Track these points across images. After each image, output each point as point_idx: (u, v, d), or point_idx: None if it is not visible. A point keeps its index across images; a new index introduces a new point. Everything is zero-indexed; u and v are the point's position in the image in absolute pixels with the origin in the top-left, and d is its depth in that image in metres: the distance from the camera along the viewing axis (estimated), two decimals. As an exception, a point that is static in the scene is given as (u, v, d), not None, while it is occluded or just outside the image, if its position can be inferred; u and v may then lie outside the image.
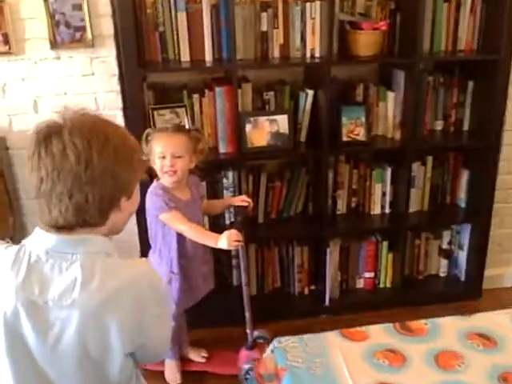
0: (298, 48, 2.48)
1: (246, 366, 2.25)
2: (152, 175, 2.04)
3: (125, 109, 2.37)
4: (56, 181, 1.04)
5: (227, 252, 2.48)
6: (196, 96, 2.46)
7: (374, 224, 2.78)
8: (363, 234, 2.82)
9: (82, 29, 2.24)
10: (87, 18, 2.23)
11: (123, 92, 2.35)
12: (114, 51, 2.31)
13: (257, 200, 2.65)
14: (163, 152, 1.99)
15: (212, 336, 2.59)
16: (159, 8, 2.30)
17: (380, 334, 1.78)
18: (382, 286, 2.88)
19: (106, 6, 2.26)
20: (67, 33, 2.24)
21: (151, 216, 2.05)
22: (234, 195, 2.54)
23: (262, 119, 2.46)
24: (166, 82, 2.54)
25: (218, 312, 2.60)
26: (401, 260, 2.79)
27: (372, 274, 2.86)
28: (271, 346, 1.72)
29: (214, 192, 2.59)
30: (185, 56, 2.40)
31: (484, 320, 1.95)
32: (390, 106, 2.63)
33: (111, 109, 2.39)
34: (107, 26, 2.28)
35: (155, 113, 2.39)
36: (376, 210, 2.79)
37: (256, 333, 2.36)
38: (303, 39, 2.45)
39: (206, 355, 2.43)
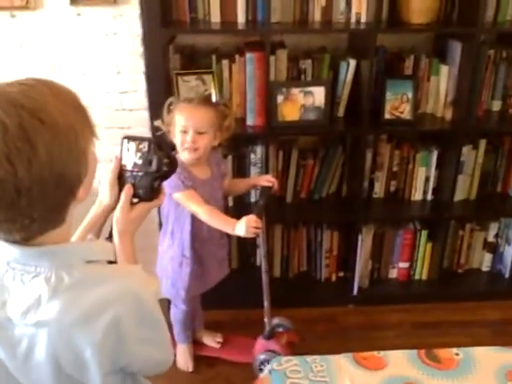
0: (341, 12, 2.23)
1: (262, 357, 2.13)
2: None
3: (147, 73, 2.19)
4: None
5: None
6: (225, 62, 2.25)
7: (413, 211, 2.54)
8: (401, 221, 2.60)
9: (104, -18, 2.06)
10: (110, -29, 2.04)
11: (145, 54, 2.16)
12: (138, 8, 2.11)
13: (286, 178, 2.45)
14: (185, 126, 1.80)
15: (229, 318, 2.47)
16: (189, -39, 2.09)
17: (400, 362, 1.53)
18: (417, 277, 2.66)
19: (130, -43, 2.06)
20: (88, -14, 2.06)
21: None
22: (262, 172, 2.35)
23: (296, 91, 2.23)
24: (195, 45, 2.34)
25: (238, 293, 2.48)
26: (440, 251, 2.56)
27: (407, 265, 2.64)
28: (269, 366, 1.52)
29: (240, 168, 2.41)
30: (215, 16, 2.19)
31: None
32: (443, 82, 2.35)
33: (133, 72, 2.22)
34: (131, -20, 2.08)
35: (180, 79, 2.19)
36: (417, 195, 2.54)
37: (275, 320, 2.22)
38: (348, 2, 2.20)
39: (220, 340, 2.30)
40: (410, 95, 2.31)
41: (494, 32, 2.39)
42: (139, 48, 2.18)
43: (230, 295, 2.43)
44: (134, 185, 1.06)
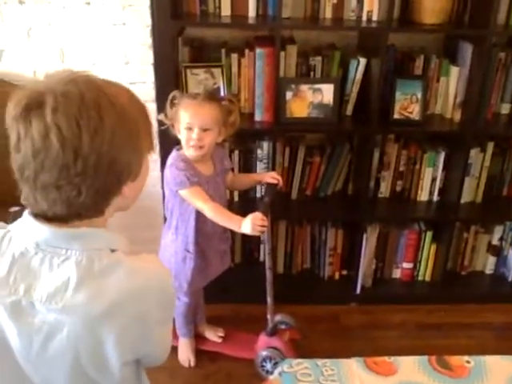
0: (353, 9, 2.21)
1: (264, 353, 2.12)
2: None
3: (156, 64, 2.17)
4: (39, 169, 0.84)
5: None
6: (235, 56, 2.23)
7: (418, 212, 2.52)
8: (406, 222, 2.58)
9: (115, -28, 2.04)
10: (121, -40, 2.03)
11: (154, 45, 2.14)
12: (148, -1, 2.10)
13: (292, 175, 2.44)
14: (191, 123, 1.78)
15: (231, 313, 2.45)
16: (200, -47, 2.07)
17: (411, 368, 1.50)
18: (420, 278, 2.65)
19: None
20: (99, -24, 2.05)
21: (169, 190, 1.87)
22: (268, 168, 2.34)
23: (305, 87, 2.21)
24: (204, 38, 2.32)
25: (240, 288, 2.47)
26: (445, 253, 2.54)
27: (411, 265, 2.62)
28: (279, 368, 1.51)
29: (247, 163, 2.39)
30: (225, 10, 2.17)
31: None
32: (452, 83, 2.33)
33: (142, 63, 2.20)
34: (142, -30, 2.07)
35: (188, 71, 2.18)
36: (423, 196, 2.53)
37: (278, 317, 2.20)
38: (360, 0, 2.17)
39: (222, 335, 2.28)
40: (419, 95, 2.29)
41: (506, 35, 2.37)
42: (148, 39, 2.17)
43: (231, 289, 2.42)
44: None
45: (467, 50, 2.26)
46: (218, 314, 2.40)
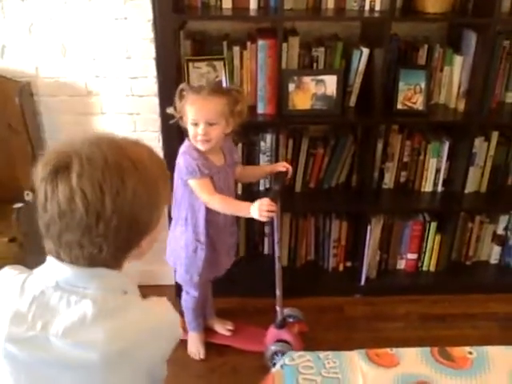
0: (355, -1, 2.18)
1: (273, 348, 2.12)
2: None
3: (158, 59, 2.17)
4: (63, 229, 0.90)
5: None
6: (237, 48, 2.22)
7: (423, 202, 2.52)
8: (410, 213, 2.58)
9: (116, -34, 2.03)
10: (121, -46, 2.02)
11: (156, 39, 2.13)
12: (149, -7, 2.09)
13: (295, 167, 2.43)
14: (196, 119, 1.77)
15: (240, 306, 2.46)
16: None
17: (413, 359, 1.51)
18: (424, 269, 2.65)
19: None
20: (99, -30, 2.03)
21: (180, 179, 1.86)
22: (271, 160, 2.33)
23: (308, 79, 2.20)
24: (206, 31, 2.31)
25: (247, 281, 2.48)
26: (449, 243, 2.54)
27: (415, 256, 2.62)
28: (281, 361, 1.51)
29: (250, 155, 2.39)
30: (227, 2, 2.16)
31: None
32: (456, 72, 2.32)
33: (144, 58, 2.19)
34: (143, -36, 2.05)
35: (190, 65, 2.17)
36: (427, 187, 2.52)
37: (286, 311, 2.21)
38: (362, -11, 2.16)
39: (231, 328, 2.29)
40: (423, 85, 2.28)
41: (510, 23, 2.34)
42: (150, 33, 2.16)
43: (239, 283, 2.43)
44: None
45: (471, 39, 2.24)
46: (225, 307, 2.41)
